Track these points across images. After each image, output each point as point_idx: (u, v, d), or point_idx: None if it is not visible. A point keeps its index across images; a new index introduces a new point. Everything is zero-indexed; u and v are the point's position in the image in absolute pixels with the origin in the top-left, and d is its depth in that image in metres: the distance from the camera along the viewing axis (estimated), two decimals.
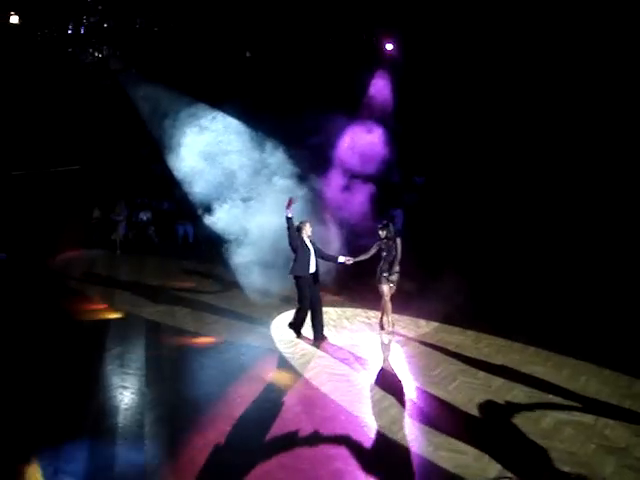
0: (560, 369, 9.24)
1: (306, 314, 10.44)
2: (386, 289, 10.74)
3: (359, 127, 15.34)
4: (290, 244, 10.35)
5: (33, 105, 15.59)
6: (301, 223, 10.47)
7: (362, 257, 10.75)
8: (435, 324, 11.51)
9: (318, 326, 10.47)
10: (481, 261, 15.45)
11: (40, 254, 16.20)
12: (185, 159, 13.94)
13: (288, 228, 10.25)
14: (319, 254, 10.56)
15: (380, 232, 10.77)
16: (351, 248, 12.32)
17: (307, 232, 10.46)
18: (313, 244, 10.48)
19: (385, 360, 9.68)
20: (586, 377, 8.92)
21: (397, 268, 10.71)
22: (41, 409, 7.60)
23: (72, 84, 16.30)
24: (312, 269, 10.34)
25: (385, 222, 10.93)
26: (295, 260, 10.32)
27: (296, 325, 10.59)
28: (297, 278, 10.32)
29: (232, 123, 14.46)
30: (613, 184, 15.76)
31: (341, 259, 10.69)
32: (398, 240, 10.74)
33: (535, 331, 10.95)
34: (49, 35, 14.31)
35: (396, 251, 10.68)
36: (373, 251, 10.76)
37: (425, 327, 11.41)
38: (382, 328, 11.07)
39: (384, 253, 10.72)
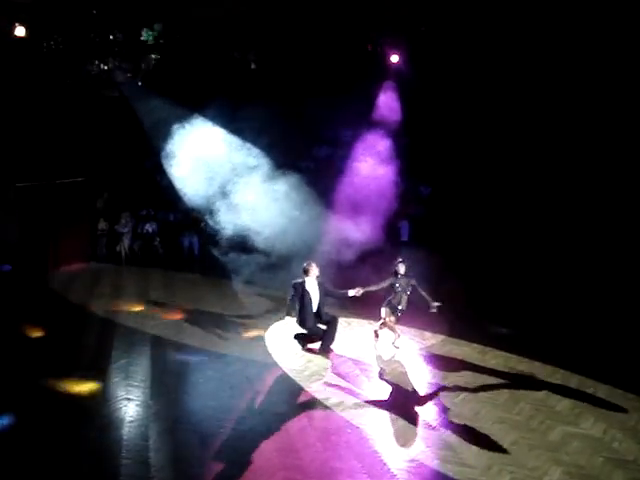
0: (567, 382, 9.20)
1: (318, 339, 10.49)
2: (386, 316, 10.70)
3: (367, 137, 15.39)
4: None
5: (37, 116, 15.62)
6: (307, 265, 10.50)
7: (372, 288, 10.78)
8: (441, 336, 11.45)
9: (329, 338, 10.45)
10: (487, 273, 15.39)
11: (45, 266, 16.20)
12: (189, 170, 13.97)
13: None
14: (327, 293, 10.66)
15: (397, 268, 10.72)
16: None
17: (314, 273, 10.50)
18: (320, 285, 10.50)
19: (391, 372, 9.62)
20: (593, 390, 8.88)
21: (404, 307, 10.72)
22: (44, 416, 7.58)
23: (77, 96, 16.34)
24: (314, 311, 10.41)
25: (403, 259, 10.88)
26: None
27: (303, 339, 10.58)
28: (300, 325, 10.49)
29: (235, 135, 14.54)
30: (622, 203, 15.62)
31: (351, 292, 10.76)
32: (413, 281, 10.69)
33: (542, 344, 10.90)
34: (55, 47, 14.35)
35: (409, 290, 10.65)
36: (384, 285, 10.74)
37: (431, 339, 11.35)
38: (376, 336, 11.03)
39: (398, 289, 10.66)
